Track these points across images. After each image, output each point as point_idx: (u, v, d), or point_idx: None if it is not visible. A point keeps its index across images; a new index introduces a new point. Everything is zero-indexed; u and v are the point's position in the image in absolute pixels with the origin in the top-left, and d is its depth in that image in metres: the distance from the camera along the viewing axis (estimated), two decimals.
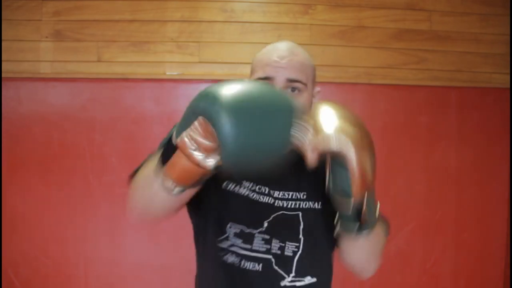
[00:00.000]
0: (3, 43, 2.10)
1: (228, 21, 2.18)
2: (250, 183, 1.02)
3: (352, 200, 0.84)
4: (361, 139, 0.82)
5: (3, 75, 2.09)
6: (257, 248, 0.98)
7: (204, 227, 1.04)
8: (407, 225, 2.24)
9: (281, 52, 0.98)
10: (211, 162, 0.74)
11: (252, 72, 1.02)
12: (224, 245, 0.99)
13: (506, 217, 2.32)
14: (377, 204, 0.92)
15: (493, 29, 2.30)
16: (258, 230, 0.99)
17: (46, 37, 2.13)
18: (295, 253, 0.99)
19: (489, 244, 2.32)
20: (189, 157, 0.74)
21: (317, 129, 0.80)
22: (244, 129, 0.67)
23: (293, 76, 0.96)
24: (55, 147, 2.12)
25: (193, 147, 0.74)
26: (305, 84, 0.98)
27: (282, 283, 0.97)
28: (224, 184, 1.02)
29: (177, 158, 0.77)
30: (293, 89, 0.96)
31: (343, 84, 2.22)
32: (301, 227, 1.00)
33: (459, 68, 2.29)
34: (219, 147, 0.71)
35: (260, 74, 0.97)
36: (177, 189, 0.80)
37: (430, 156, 2.27)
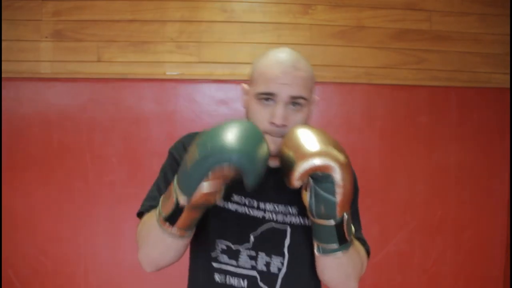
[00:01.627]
0: (3, 43, 2.10)
1: (228, 21, 2.18)
2: (240, 197, 1.01)
3: (334, 222, 0.86)
4: (347, 163, 0.84)
5: (3, 75, 2.09)
6: (242, 265, 0.99)
7: (196, 243, 1.04)
8: (407, 225, 2.24)
9: (284, 67, 0.96)
10: (220, 195, 0.83)
11: (252, 81, 1.00)
12: (214, 261, 1.00)
13: (506, 217, 2.32)
14: (351, 225, 0.93)
15: (493, 29, 2.30)
16: (244, 246, 0.99)
17: (46, 37, 2.13)
18: (279, 270, 0.99)
19: (489, 244, 2.33)
20: (207, 203, 0.82)
21: (302, 152, 0.82)
22: (254, 159, 0.80)
23: (296, 93, 0.95)
24: (55, 147, 2.12)
25: (216, 196, 0.82)
26: (307, 100, 0.97)
27: None
28: None
29: (188, 212, 0.84)
30: (295, 103, 0.96)
31: (343, 84, 2.22)
32: (287, 242, 1.00)
33: (459, 68, 2.29)
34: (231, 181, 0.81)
35: (263, 89, 0.96)
36: (190, 232, 0.89)
37: (430, 156, 2.27)
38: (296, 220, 1.02)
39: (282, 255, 1.00)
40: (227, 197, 1.01)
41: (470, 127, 2.29)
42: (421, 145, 2.27)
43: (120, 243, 2.15)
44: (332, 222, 0.86)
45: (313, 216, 0.88)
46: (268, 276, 0.99)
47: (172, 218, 0.84)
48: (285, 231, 1.01)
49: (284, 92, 0.95)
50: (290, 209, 1.02)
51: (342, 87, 2.22)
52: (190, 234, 0.90)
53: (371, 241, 1.08)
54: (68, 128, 2.12)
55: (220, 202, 1.01)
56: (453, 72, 2.29)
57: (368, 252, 1.05)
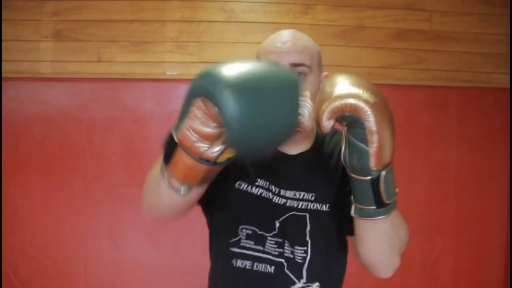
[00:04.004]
0: (3, 43, 2.10)
1: (228, 21, 2.18)
2: (264, 182, 0.99)
3: (370, 177, 0.79)
4: (381, 108, 0.77)
5: (3, 75, 2.09)
6: (269, 251, 0.97)
7: (217, 227, 1.03)
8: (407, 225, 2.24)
9: (283, 38, 0.97)
10: (216, 152, 0.70)
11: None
12: (237, 246, 0.98)
13: (506, 217, 2.32)
14: (395, 184, 0.86)
15: (493, 29, 2.30)
16: (270, 234, 0.97)
17: (46, 37, 2.13)
18: (304, 258, 0.97)
19: (489, 244, 2.32)
20: (192, 150, 0.70)
21: (334, 96, 0.76)
22: (250, 106, 0.62)
23: (296, 60, 0.94)
24: (55, 147, 2.12)
25: (194, 138, 0.70)
26: (309, 67, 0.95)
27: None
28: (237, 184, 1.00)
29: (180, 155, 0.73)
30: (298, 73, 0.94)
31: None
32: (308, 229, 0.98)
33: (459, 68, 2.29)
34: (224, 132, 0.66)
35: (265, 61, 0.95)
36: (183, 188, 0.78)
37: (430, 156, 2.27)
38: (313, 206, 0.99)
39: (305, 244, 0.97)
40: (252, 181, 0.98)
41: (470, 127, 2.29)
42: (421, 145, 2.27)
43: (120, 243, 2.15)
44: (367, 178, 0.79)
45: (349, 170, 0.82)
46: (294, 264, 0.97)
47: (166, 157, 0.78)
48: (305, 217, 0.98)
49: (284, 60, 0.94)
50: (307, 196, 0.99)
51: None
52: (183, 190, 0.79)
53: None
54: (68, 128, 2.12)
55: (244, 186, 0.98)
56: (454, 72, 2.28)
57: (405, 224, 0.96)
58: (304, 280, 0.96)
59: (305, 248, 0.97)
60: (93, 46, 2.14)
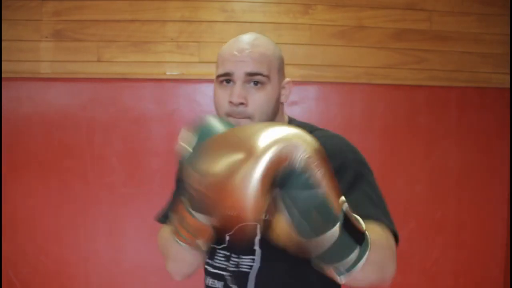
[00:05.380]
0: (3, 43, 2.10)
1: (228, 21, 2.18)
2: None
3: (339, 224, 0.62)
4: (318, 148, 0.60)
5: (3, 75, 2.09)
6: (217, 265, 0.97)
7: None
8: (407, 225, 2.24)
9: (241, 45, 0.93)
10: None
11: (216, 67, 0.97)
12: (207, 263, 1.00)
13: (506, 217, 2.32)
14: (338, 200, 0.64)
15: (493, 29, 2.30)
16: (220, 246, 0.97)
17: (46, 37, 2.13)
18: (250, 267, 0.93)
19: (489, 244, 2.32)
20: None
21: (254, 148, 0.56)
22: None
23: (252, 69, 0.90)
24: (55, 147, 2.12)
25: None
26: (266, 76, 0.91)
27: None
28: None
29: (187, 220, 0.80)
30: (255, 82, 0.91)
31: (343, 84, 2.22)
32: (257, 237, 0.93)
33: (459, 68, 2.29)
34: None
35: (221, 70, 0.93)
36: (200, 247, 0.85)
37: (430, 156, 2.27)
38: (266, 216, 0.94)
39: (252, 253, 0.93)
40: None
41: (470, 127, 2.29)
42: (421, 145, 2.27)
43: (120, 243, 2.15)
44: (336, 228, 0.62)
45: (306, 236, 0.62)
46: (239, 276, 0.94)
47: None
48: (255, 227, 0.93)
49: (240, 69, 0.90)
50: None
51: (342, 87, 2.22)
52: (193, 247, 0.86)
53: None
54: (68, 128, 2.12)
55: None
56: (453, 72, 2.28)
57: (393, 232, 0.87)
58: None
59: (252, 257, 0.93)
60: (93, 46, 2.14)
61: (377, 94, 2.24)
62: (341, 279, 0.67)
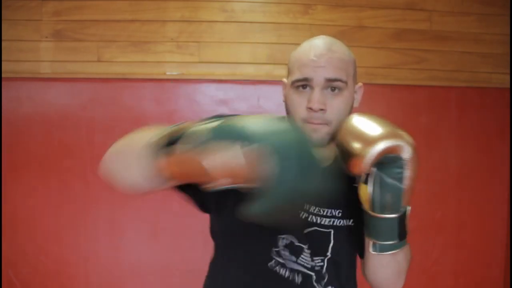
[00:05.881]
0: (3, 43, 2.10)
1: (228, 21, 2.18)
2: None
3: (398, 214, 0.81)
4: (413, 142, 0.81)
5: (3, 75, 2.09)
6: (302, 262, 0.96)
7: (241, 232, 0.95)
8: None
9: (318, 50, 0.92)
10: (223, 185, 0.69)
11: (289, 72, 0.97)
12: (271, 253, 0.96)
13: (506, 217, 2.32)
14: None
15: (493, 29, 2.30)
16: (306, 246, 0.96)
17: (46, 37, 2.13)
18: (322, 267, 0.97)
19: (489, 244, 2.33)
20: (206, 172, 0.68)
21: (368, 136, 0.78)
22: (295, 184, 0.65)
23: (332, 75, 0.91)
24: (55, 147, 2.12)
25: (219, 171, 0.67)
26: (345, 82, 0.93)
27: None
28: None
29: (191, 163, 0.70)
30: (333, 88, 0.92)
31: None
32: (331, 245, 0.97)
33: (459, 68, 2.29)
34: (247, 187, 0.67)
35: (298, 75, 0.92)
36: (167, 182, 0.78)
37: (430, 156, 2.27)
38: (340, 222, 0.97)
39: (326, 257, 0.97)
40: None
41: (470, 127, 2.29)
42: (421, 145, 2.26)
43: (120, 243, 2.15)
44: (395, 215, 0.81)
45: (375, 210, 0.82)
46: (320, 277, 0.96)
47: (163, 147, 0.75)
48: (329, 233, 0.97)
49: (319, 75, 0.90)
50: (334, 212, 0.97)
51: None
52: (164, 183, 0.79)
53: None
54: (68, 128, 2.12)
55: None
56: (453, 72, 2.29)
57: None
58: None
59: (322, 263, 0.97)
60: (93, 46, 2.14)
61: (377, 94, 2.24)
62: (372, 251, 0.85)
